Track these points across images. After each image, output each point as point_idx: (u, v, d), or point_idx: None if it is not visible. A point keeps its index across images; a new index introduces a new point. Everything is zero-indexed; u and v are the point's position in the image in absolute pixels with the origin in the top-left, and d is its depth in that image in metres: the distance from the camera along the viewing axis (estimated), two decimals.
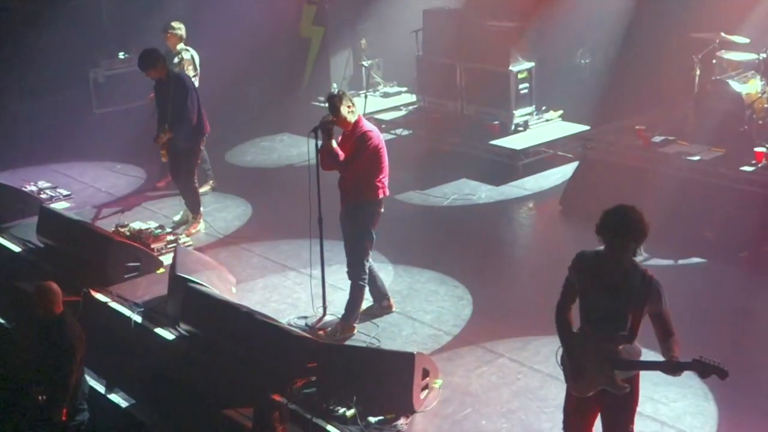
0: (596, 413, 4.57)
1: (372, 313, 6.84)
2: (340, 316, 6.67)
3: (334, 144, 6.38)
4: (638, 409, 5.34)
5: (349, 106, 6.34)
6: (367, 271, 6.57)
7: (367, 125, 6.45)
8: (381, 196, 6.44)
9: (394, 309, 6.89)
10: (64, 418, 5.91)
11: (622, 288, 4.24)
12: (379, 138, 6.43)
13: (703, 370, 4.05)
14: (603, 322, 4.28)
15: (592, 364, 4.34)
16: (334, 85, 11.90)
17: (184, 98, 8.21)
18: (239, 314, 6.53)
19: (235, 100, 11.82)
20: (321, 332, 6.60)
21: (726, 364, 5.35)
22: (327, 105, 6.44)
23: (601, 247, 4.29)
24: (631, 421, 4.50)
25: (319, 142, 6.41)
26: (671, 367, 4.16)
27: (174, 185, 8.87)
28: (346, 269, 6.61)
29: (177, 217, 8.71)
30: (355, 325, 6.63)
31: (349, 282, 6.63)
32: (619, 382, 4.31)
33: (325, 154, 6.41)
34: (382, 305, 6.85)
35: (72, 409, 5.97)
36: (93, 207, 9.43)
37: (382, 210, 6.52)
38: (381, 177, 6.42)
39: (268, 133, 11.51)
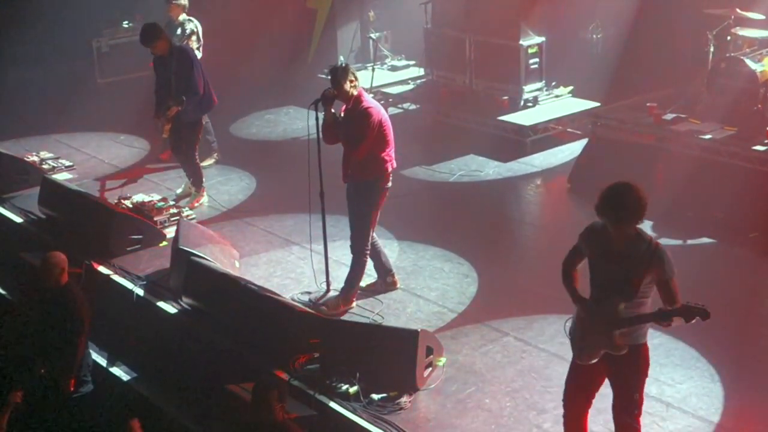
0: (596, 387, 4.59)
1: (376, 290, 6.79)
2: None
3: (335, 117, 6.28)
4: (644, 390, 5.32)
5: (351, 80, 6.23)
6: (370, 246, 6.51)
7: (369, 101, 6.35)
8: (389, 169, 6.37)
9: (398, 285, 6.84)
10: (72, 388, 5.89)
11: (627, 255, 4.36)
12: (382, 112, 6.33)
13: (688, 312, 4.20)
14: (609, 289, 4.38)
15: (595, 326, 4.42)
16: (341, 58, 11.75)
17: (189, 70, 8.09)
18: (242, 289, 6.48)
19: (240, 72, 11.72)
20: (323, 307, 6.55)
21: (733, 345, 5.31)
22: (329, 77, 6.32)
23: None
24: (638, 390, 4.49)
25: (321, 115, 6.31)
26: (660, 316, 4.30)
27: (175, 158, 8.76)
28: (349, 243, 6.53)
29: (179, 190, 8.65)
30: (354, 299, 6.58)
31: (351, 256, 6.55)
32: (618, 342, 4.37)
33: (326, 128, 6.31)
34: (387, 281, 6.79)
35: (77, 380, 5.97)
36: (96, 178, 9.39)
37: (389, 185, 6.44)
38: (387, 150, 6.35)
39: (273, 106, 11.41)
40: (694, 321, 4.22)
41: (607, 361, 4.44)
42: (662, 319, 4.30)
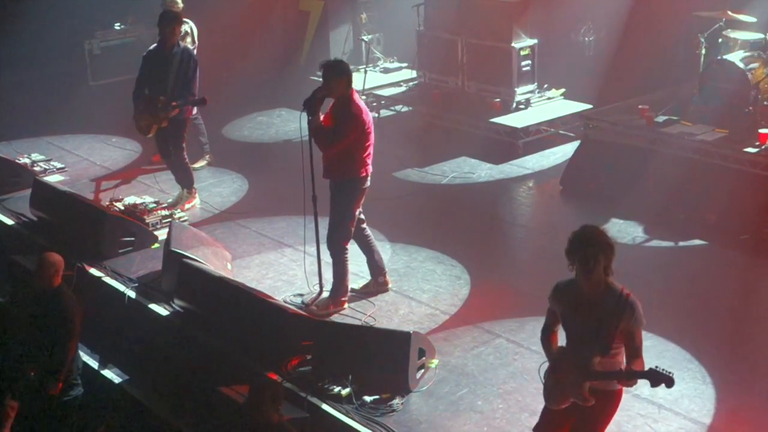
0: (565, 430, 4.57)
1: (368, 291, 6.78)
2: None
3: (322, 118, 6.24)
4: (636, 392, 5.34)
5: (347, 80, 6.21)
6: (349, 246, 6.49)
7: (358, 101, 6.31)
8: (364, 174, 6.36)
9: (389, 286, 6.83)
10: (58, 391, 5.87)
11: (598, 307, 4.34)
12: (368, 115, 6.33)
13: (656, 378, 4.19)
14: (583, 341, 4.38)
15: (567, 375, 4.42)
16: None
17: (194, 74, 8.02)
18: (234, 291, 6.46)
19: (233, 73, 11.70)
20: (314, 308, 6.54)
21: (725, 347, 5.30)
22: (322, 73, 6.26)
23: (574, 275, 4.39)
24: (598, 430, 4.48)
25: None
26: (627, 376, 4.30)
27: (164, 163, 8.68)
28: (326, 243, 6.49)
29: (170, 200, 8.52)
30: (344, 299, 6.58)
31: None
32: (586, 394, 4.37)
33: (314, 131, 6.27)
34: (378, 281, 6.79)
35: (66, 383, 5.95)
36: (88, 180, 9.36)
37: (366, 187, 6.42)
38: (365, 155, 6.33)
39: (265, 108, 11.40)
40: (658, 387, 4.21)
41: (577, 405, 4.43)
42: (629, 379, 4.29)
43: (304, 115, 6.23)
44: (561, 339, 4.59)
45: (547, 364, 4.59)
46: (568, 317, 4.44)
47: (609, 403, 4.45)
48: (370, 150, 6.36)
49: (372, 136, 6.35)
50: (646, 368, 4.23)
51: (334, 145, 6.22)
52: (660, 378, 4.17)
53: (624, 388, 4.44)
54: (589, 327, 4.34)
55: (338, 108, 6.27)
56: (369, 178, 6.41)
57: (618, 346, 4.35)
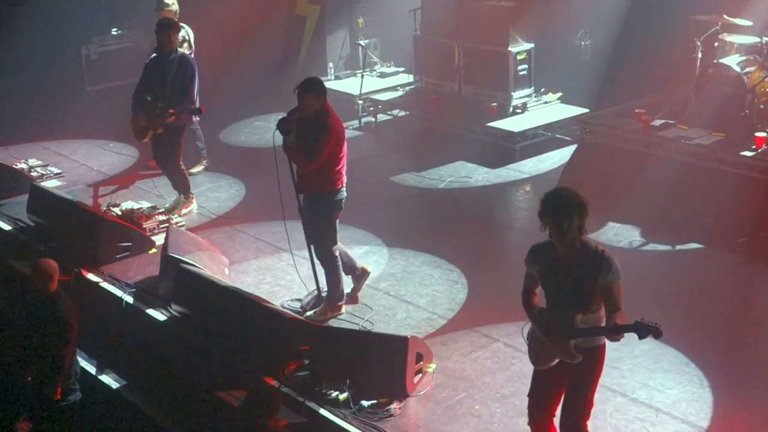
0: (557, 393, 4.59)
1: (356, 292, 6.76)
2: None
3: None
4: (633, 395, 5.34)
5: (320, 98, 6.17)
6: (336, 249, 6.48)
7: (334, 112, 6.29)
8: (340, 185, 6.35)
9: (369, 270, 6.82)
10: (58, 397, 5.86)
11: (575, 266, 4.37)
12: (342, 127, 6.32)
13: (641, 330, 4.18)
14: (564, 300, 4.40)
15: (551, 335, 4.44)
16: (330, 65, 11.78)
17: (191, 80, 8.02)
18: (232, 296, 6.46)
19: (230, 78, 11.69)
20: (312, 313, 6.54)
21: (722, 350, 5.30)
22: (297, 94, 6.20)
23: (549, 238, 4.42)
24: (588, 391, 4.51)
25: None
26: (611, 330, 4.29)
27: (160, 169, 8.67)
28: (314, 252, 6.50)
29: (167, 205, 8.49)
30: (341, 304, 6.58)
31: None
32: (572, 350, 4.39)
33: (289, 151, 6.25)
34: (357, 275, 6.75)
35: (64, 388, 5.93)
36: (85, 186, 9.35)
37: (343, 198, 6.40)
38: (339, 167, 6.32)
39: (263, 113, 11.40)
40: (646, 338, 4.20)
41: (564, 365, 4.47)
42: (614, 333, 4.28)
43: (278, 132, 6.20)
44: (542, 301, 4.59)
45: (529, 326, 4.61)
46: (546, 278, 4.46)
47: (596, 358, 4.48)
48: (344, 161, 6.35)
49: (345, 147, 6.34)
50: (631, 322, 4.21)
51: (315, 160, 6.19)
52: (647, 329, 4.16)
53: (608, 342, 4.44)
54: (568, 286, 4.36)
55: (315, 121, 6.24)
56: (345, 189, 6.39)
57: (599, 303, 4.37)
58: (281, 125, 6.21)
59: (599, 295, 4.35)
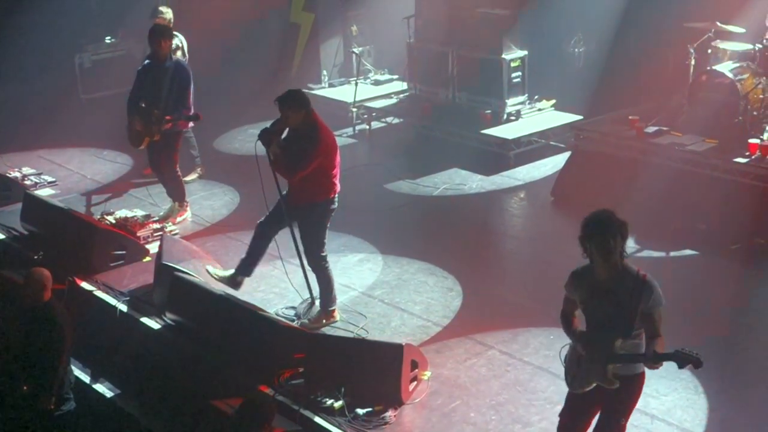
0: (590, 417, 4.55)
1: (355, 301, 6.73)
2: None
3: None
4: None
5: (302, 110, 6.17)
6: (326, 255, 6.48)
7: (323, 124, 6.29)
8: (332, 195, 6.35)
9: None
10: (52, 406, 5.84)
11: (616, 291, 4.34)
12: (331, 135, 6.31)
13: (682, 360, 4.16)
14: (604, 325, 4.37)
15: (589, 359, 4.40)
16: (324, 72, 11.79)
17: (187, 87, 8.02)
18: (226, 304, 6.44)
19: (224, 86, 11.71)
20: (306, 321, 6.53)
21: (717, 357, 5.29)
22: (278, 106, 6.19)
23: (588, 262, 4.41)
24: (625, 417, 4.48)
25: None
26: (651, 359, 4.26)
27: (155, 176, 8.66)
28: (305, 260, 6.49)
29: (162, 213, 8.48)
30: (334, 309, 6.57)
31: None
32: (609, 376, 4.35)
33: (272, 162, 6.26)
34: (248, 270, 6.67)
35: (58, 397, 5.91)
36: (78, 194, 9.33)
37: (335, 206, 6.40)
38: (332, 177, 6.32)
39: (256, 120, 11.34)
40: (686, 368, 4.17)
41: (601, 390, 4.43)
42: (654, 362, 4.25)
43: (260, 143, 6.19)
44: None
45: (566, 348, 4.58)
46: (587, 303, 4.44)
47: (634, 386, 4.45)
48: (337, 171, 6.35)
49: (338, 157, 6.34)
50: (671, 350, 4.17)
51: (298, 171, 6.19)
52: (687, 359, 4.13)
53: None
54: (609, 311, 4.33)
55: (302, 133, 6.23)
56: (337, 199, 6.39)
57: (639, 328, 4.35)
58: (263, 137, 6.21)
59: (640, 322, 4.32)
